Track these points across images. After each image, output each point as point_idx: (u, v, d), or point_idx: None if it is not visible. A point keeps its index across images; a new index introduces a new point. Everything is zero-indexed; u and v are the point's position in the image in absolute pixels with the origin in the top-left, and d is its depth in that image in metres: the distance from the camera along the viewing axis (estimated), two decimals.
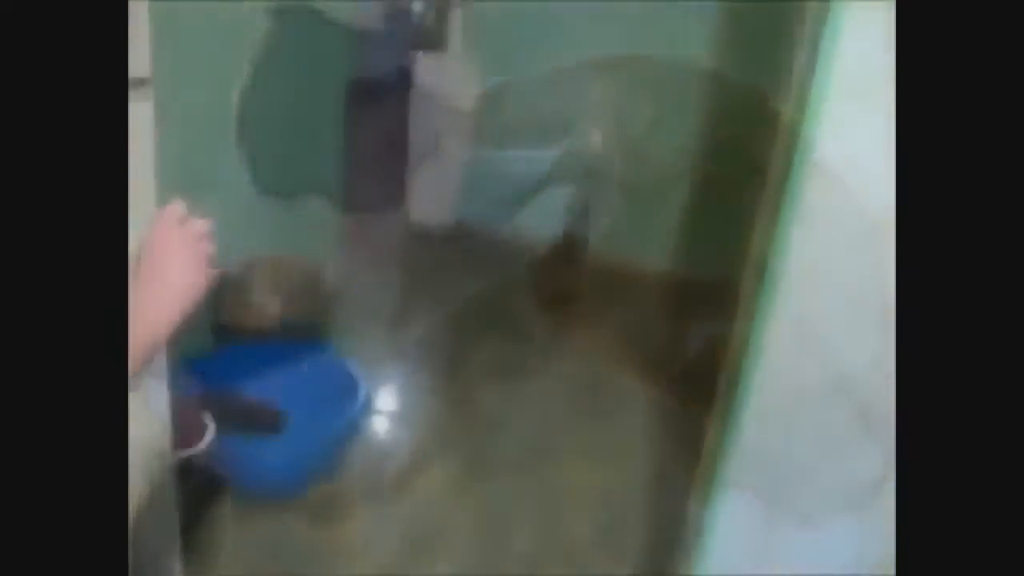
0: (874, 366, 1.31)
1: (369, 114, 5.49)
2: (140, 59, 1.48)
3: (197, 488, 2.15)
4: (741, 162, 2.30)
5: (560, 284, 3.96)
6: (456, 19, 4.23)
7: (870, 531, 1.40)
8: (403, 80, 4.72)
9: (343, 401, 2.49)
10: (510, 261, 4.14)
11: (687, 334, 3.45)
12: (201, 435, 2.17)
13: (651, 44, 3.90)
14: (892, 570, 0.86)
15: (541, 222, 4.02)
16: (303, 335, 2.92)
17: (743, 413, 1.44)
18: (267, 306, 2.78)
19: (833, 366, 1.36)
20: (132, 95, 1.49)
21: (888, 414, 1.00)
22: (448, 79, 4.21)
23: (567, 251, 4.01)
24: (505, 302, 3.79)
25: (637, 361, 3.38)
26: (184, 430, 2.07)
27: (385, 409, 2.98)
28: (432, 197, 4.40)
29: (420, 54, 4.48)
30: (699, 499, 1.66)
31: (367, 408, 2.70)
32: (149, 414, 1.75)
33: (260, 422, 2.46)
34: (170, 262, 1.01)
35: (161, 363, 1.81)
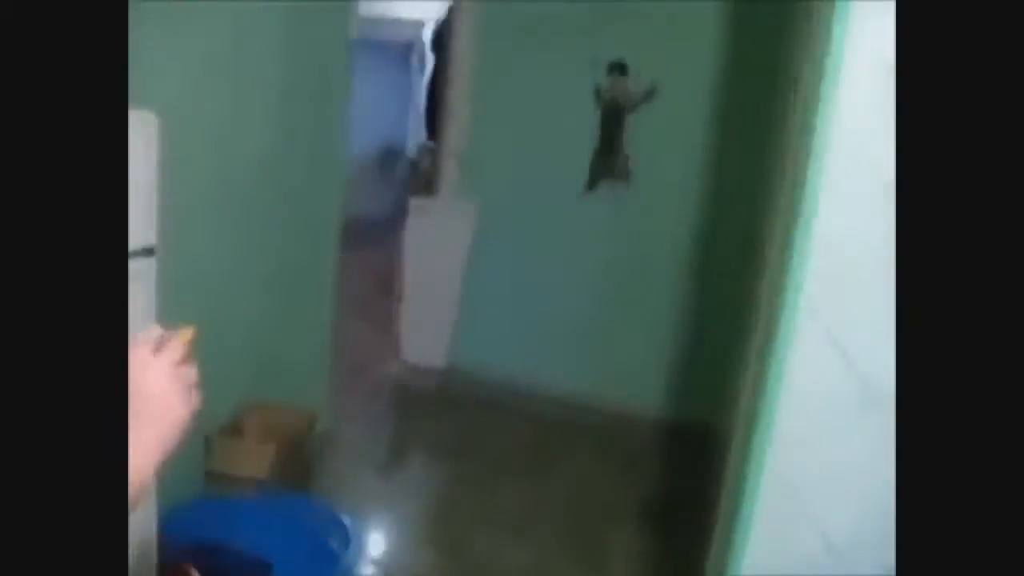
0: (860, 534, 1.31)
1: (362, 257, 5.59)
2: (148, 228, 1.55)
3: None
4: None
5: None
6: (450, 165, 4.37)
7: None
8: (397, 222, 4.83)
9: (334, 552, 2.44)
10: (503, 405, 4.14)
11: (679, 482, 3.43)
12: None
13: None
14: None
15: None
16: (294, 484, 2.89)
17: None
18: (259, 455, 2.76)
19: (823, 532, 1.36)
20: (140, 261, 1.55)
21: None
22: (440, 223, 4.31)
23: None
24: (498, 447, 3.77)
25: (628, 507, 3.34)
26: None
27: (377, 559, 2.91)
28: (425, 340, 4.44)
29: (414, 198, 4.60)
30: None
31: (358, 559, 2.65)
32: (134, 563, 1.72)
33: (249, 574, 2.40)
34: (150, 393, 0.92)
35: (150, 510, 1.79)
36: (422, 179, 6.21)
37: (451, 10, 4.73)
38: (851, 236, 1.29)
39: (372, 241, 6.01)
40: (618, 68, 3.97)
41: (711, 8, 3.80)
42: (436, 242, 4.30)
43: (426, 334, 4.41)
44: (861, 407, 1.30)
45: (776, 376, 1.35)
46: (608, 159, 4.06)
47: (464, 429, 3.93)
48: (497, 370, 4.27)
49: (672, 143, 3.96)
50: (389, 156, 7.77)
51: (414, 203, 4.46)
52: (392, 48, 7.46)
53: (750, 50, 3.63)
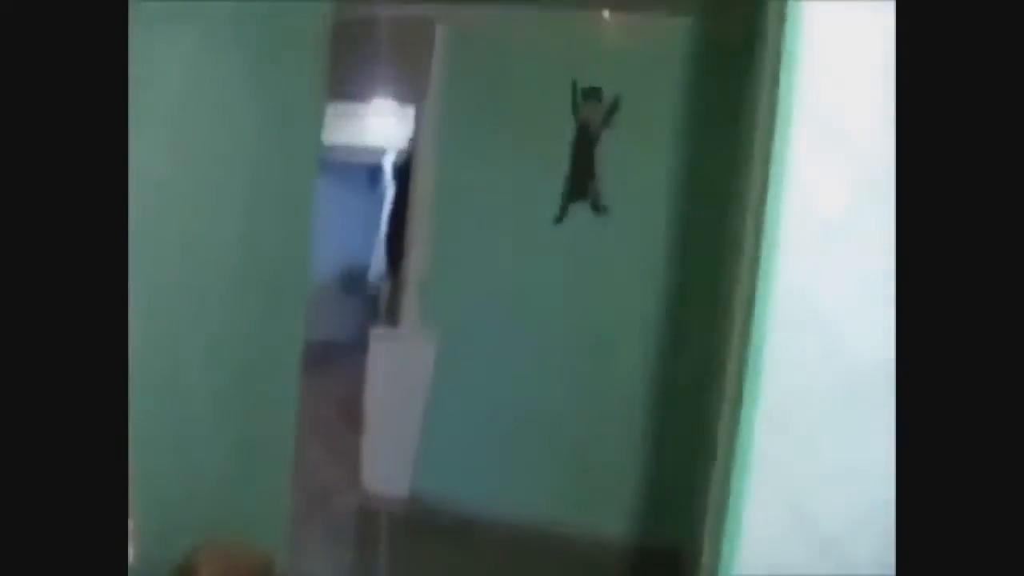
0: None
1: (323, 383, 5.52)
2: None
3: None
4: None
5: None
6: (411, 296, 4.39)
7: None
8: (358, 350, 4.79)
9: None
10: (468, 534, 4.05)
11: None
12: None
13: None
14: None
15: None
16: None
17: None
18: None
19: None
20: None
21: None
22: (402, 354, 4.30)
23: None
24: None
25: None
26: None
27: None
28: (387, 470, 4.36)
29: (375, 329, 4.59)
30: None
31: None
32: None
33: None
34: None
35: None
36: (384, 307, 6.20)
37: (412, 141, 4.84)
38: (800, 386, 1.33)
39: (334, 365, 5.96)
40: (593, 94, 4.08)
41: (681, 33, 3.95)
42: (398, 373, 4.28)
43: (388, 464, 4.34)
44: (818, 553, 1.31)
45: (735, 519, 1.36)
46: (580, 183, 4.13)
47: (428, 563, 3.83)
48: (461, 498, 4.19)
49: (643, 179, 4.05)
50: (351, 279, 7.79)
51: (375, 333, 4.46)
52: (356, 171, 7.59)
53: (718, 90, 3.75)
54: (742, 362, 1.40)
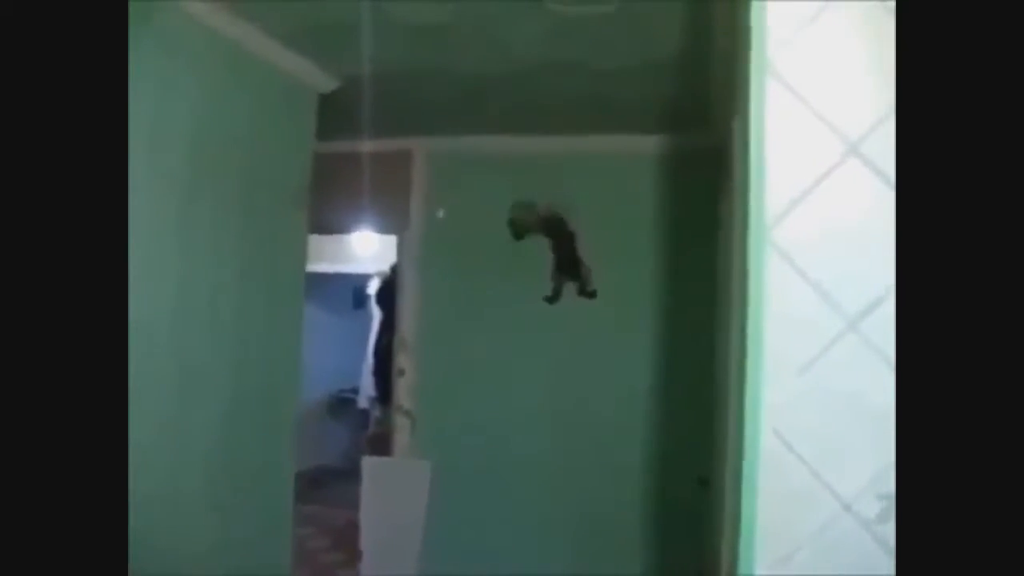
0: None
1: (319, 506, 5.41)
2: None
3: None
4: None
5: None
6: (402, 423, 4.35)
7: None
8: (350, 472, 4.69)
9: None
10: None
11: None
12: None
13: None
14: None
15: None
16: None
17: None
18: None
19: None
20: None
21: None
22: (397, 483, 4.23)
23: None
24: None
25: None
26: None
27: None
28: None
29: (367, 457, 4.54)
30: None
31: None
32: None
33: None
34: None
35: None
36: (374, 433, 6.15)
37: (394, 268, 4.90)
38: None
39: (327, 491, 5.87)
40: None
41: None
42: (392, 501, 4.21)
43: None
44: None
45: None
46: (565, 271, 4.16)
47: None
48: None
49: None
50: (340, 404, 7.75)
51: (367, 462, 4.41)
52: (343, 299, 7.63)
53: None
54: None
